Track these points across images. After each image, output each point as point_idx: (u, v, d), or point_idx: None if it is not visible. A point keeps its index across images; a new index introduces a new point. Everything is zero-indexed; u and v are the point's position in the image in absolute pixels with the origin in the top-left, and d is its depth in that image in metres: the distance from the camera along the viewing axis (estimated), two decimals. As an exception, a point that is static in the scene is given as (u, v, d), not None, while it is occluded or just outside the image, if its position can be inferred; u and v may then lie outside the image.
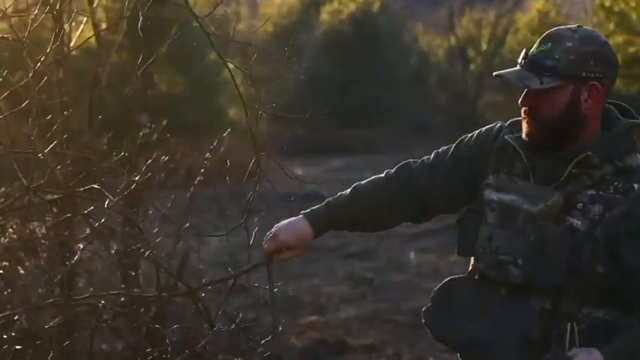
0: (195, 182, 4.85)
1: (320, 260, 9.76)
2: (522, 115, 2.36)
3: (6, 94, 2.80)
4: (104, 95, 4.99)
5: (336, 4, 23.34)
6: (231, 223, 2.76)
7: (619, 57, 2.45)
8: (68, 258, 3.66)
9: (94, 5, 4.48)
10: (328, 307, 7.37)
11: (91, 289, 4.01)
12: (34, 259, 3.93)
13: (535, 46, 2.34)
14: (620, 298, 2.29)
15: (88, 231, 3.92)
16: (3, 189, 3.76)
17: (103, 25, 6.43)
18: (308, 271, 9.21)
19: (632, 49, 11.46)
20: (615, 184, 2.28)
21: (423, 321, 2.53)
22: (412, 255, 9.61)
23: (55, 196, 3.17)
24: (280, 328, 2.66)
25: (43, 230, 3.85)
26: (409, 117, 22.11)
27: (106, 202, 2.77)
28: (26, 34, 2.66)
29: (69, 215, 3.54)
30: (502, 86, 18.97)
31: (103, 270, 4.35)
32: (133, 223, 3.51)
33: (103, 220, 3.32)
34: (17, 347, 3.22)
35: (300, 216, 2.56)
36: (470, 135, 2.55)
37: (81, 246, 3.79)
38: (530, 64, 2.30)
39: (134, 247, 3.38)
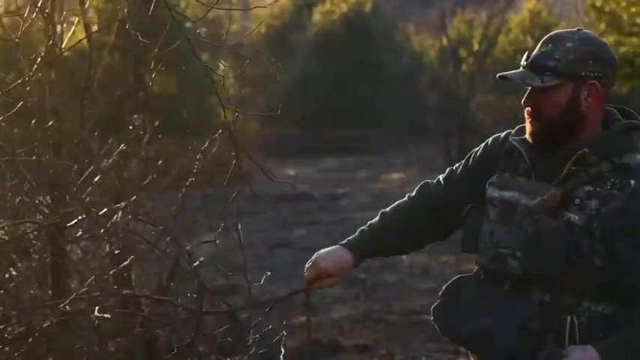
0: (187, 183, 4.85)
1: (312, 261, 9.77)
2: (525, 115, 2.45)
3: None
4: (96, 96, 4.98)
5: (328, 5, 23.37)
6: (220, 223, 2.78)
7: (610, 57, 2.50)
8: (60, 259, 3.66)
9: (86, 6, 4.48)
10: (321, 308, 7.37)
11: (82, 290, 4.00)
12: (26, 261, 3.92)
13: (537, 48, 2.43)
14: (617, 294, 2.33)
15: (80, 232, 3.92)
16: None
17: (95, 27, 6.42)
18: (299, 272, 9.22)
19: (622, 49, 11.50)
20: (612, 180, 2.34)
21: (432, 318, 2.61)
22: (404, 255, 9.61)
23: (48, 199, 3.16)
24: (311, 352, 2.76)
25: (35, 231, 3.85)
26: (401, 117, 22.16)
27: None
28: (18, 34, 2.66)
29: (62, 215, 3.54)
30: (493, 86, 18.99)
31: (95, 271, 4.34)
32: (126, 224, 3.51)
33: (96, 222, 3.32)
34: (9, 348, 3.22)
35: (338, 246, 2.69)
36: (479, 146, 2.66)
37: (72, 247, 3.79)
38: (532, 65, 2.40)
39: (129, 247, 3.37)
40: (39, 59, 2.98)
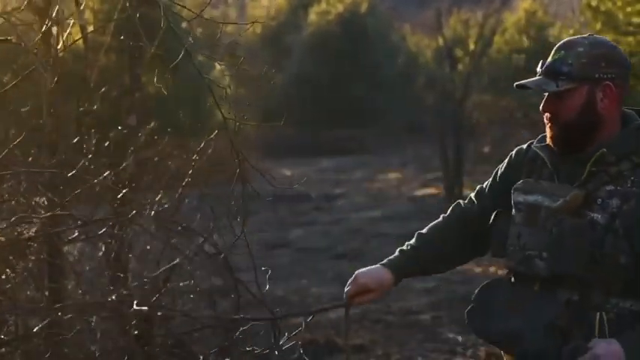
0: (183, 184, 4.85)
1: (308, 261, 9.78)
2: (545, 121, 2.54)
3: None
4: (92, 97, 4.98)
5: (323, 5, 23.35)
6: (218, 223, 2.79)
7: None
8: (57, 260, 3.66)
9: (81, 7, 4.47)
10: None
11: (80, 292, 4.00)
12: (23, 262, 3.92)
13: (550, 55, 2.53)
14: None
15: (76, 233, 3.92)
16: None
17: (91, 28, 6.41)
18: (296, 271, 9.22)
19: (618, 49, 11.53)
20: (632, 178, 2.43)
21: (466, 321, 2.68)
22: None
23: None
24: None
25: (32, 232, 3.84)
26: (397, 117, 22.15)
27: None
28: (15, 36, 2.66)
29: (57, 213, 3.53)
30: (489, 86, 18.99)
31: (90, 271, 4.34)
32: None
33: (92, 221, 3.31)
34: (6, 349, 3.21)
35: (378, 265, 2.79)
36: (504, 161, 2.75)
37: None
38: (547, 71, 2.50)
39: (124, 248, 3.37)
40: (35, 60, 2.98)
